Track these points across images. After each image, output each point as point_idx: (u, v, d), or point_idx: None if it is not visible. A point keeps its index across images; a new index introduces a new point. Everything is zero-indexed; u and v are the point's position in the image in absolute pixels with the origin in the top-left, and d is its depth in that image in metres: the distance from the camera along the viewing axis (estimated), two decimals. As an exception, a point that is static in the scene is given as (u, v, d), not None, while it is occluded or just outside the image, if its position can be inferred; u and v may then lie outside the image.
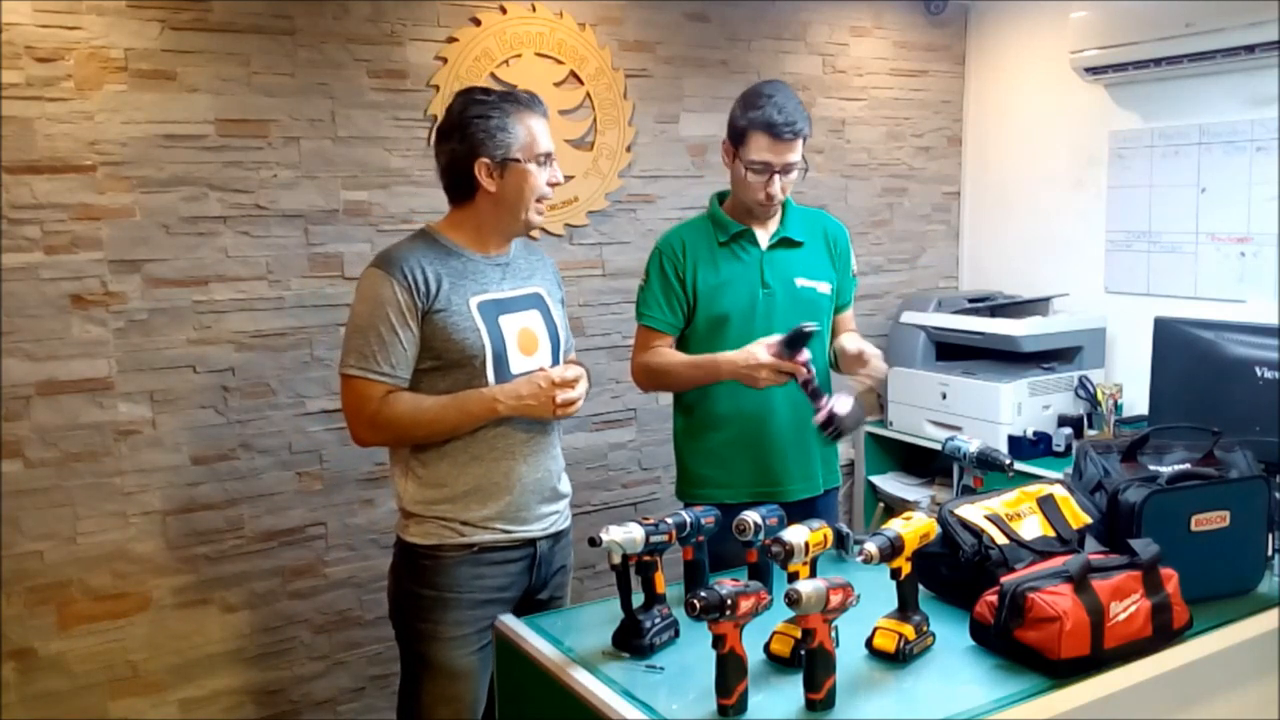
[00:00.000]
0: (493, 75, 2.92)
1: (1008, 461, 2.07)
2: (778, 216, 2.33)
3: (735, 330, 2.27)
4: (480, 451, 1.92)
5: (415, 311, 1.86)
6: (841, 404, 2.02)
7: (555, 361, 2.02)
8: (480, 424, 1.89)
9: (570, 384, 1.90)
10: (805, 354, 2.05)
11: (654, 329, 2.29)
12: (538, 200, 1.94)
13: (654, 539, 1.70)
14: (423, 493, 1.94)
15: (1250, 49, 2.87)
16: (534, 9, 2.96)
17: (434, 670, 1.94)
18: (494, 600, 1.95)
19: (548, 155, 1.93)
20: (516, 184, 1.91)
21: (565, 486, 2.10)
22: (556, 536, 2.06)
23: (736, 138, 2.23)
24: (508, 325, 1.94)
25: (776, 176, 2.20)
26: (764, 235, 2.31)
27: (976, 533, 1.74)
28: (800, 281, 2.31)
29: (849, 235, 2.44)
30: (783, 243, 2.31)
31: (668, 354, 2.28)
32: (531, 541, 1.99)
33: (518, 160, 1.90)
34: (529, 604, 2.02)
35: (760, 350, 2.08)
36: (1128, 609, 1.57)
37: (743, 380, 2.12)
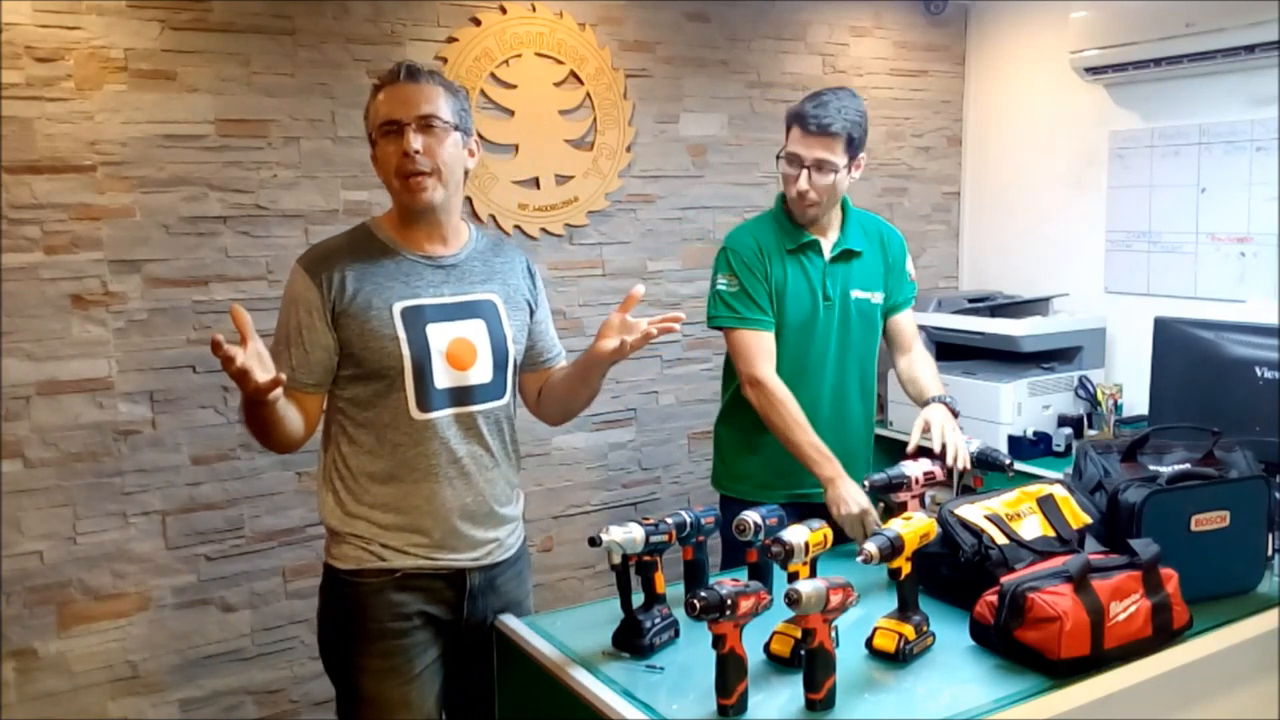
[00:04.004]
0: (492, 75, 2.92)
1: (1008, 461, 2.07)
2: (838, 225, 2.33)
3: (791, 340, 2.26)
4: (398, 471, 1.75)
5: (324, 312, 1.72)
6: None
7: (499, 376, 1.82)
8: (257, 410, 1.62)
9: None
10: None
11: (763, 330, 2.23)
12: (404, 178, 1.70)
13: (654, 539, 1.70)
14: (340, 508, 1.78)
15: (1250, 49, 2.87)
16: (534, 9, 2.96)
17: (364, 703, 1.78)
18: (421, 628, 1.79)
19: (390, 123, 1.69)
20: (381, 164, 1.74)
21: (513, 510, 1.90)
22: (495, 567, 1.85)
23: (786, 131, 2.25)
24: (435, 335, 1.74)
25: (806, 173, 2.18)
26: (826, 245, 2.31)
27: (976, 533, 1.74)
28: (856, 293, 2.32)
29: (904, 241, 2.44)
30: (844, 254, 2.31)
31: (795, 412, 2.18)
32: (460, 572, 1.80)
33: (373, 140, 1.75)
34: (471, 640, 1.87)
35: (865, 503, 2.08)
36: (1128, 609, 1.58)
37: (831, 503, 2.11)
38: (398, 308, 1.73)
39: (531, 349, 1.95)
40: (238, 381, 1.54)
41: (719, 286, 2.27)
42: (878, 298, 2.35)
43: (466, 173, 1.81)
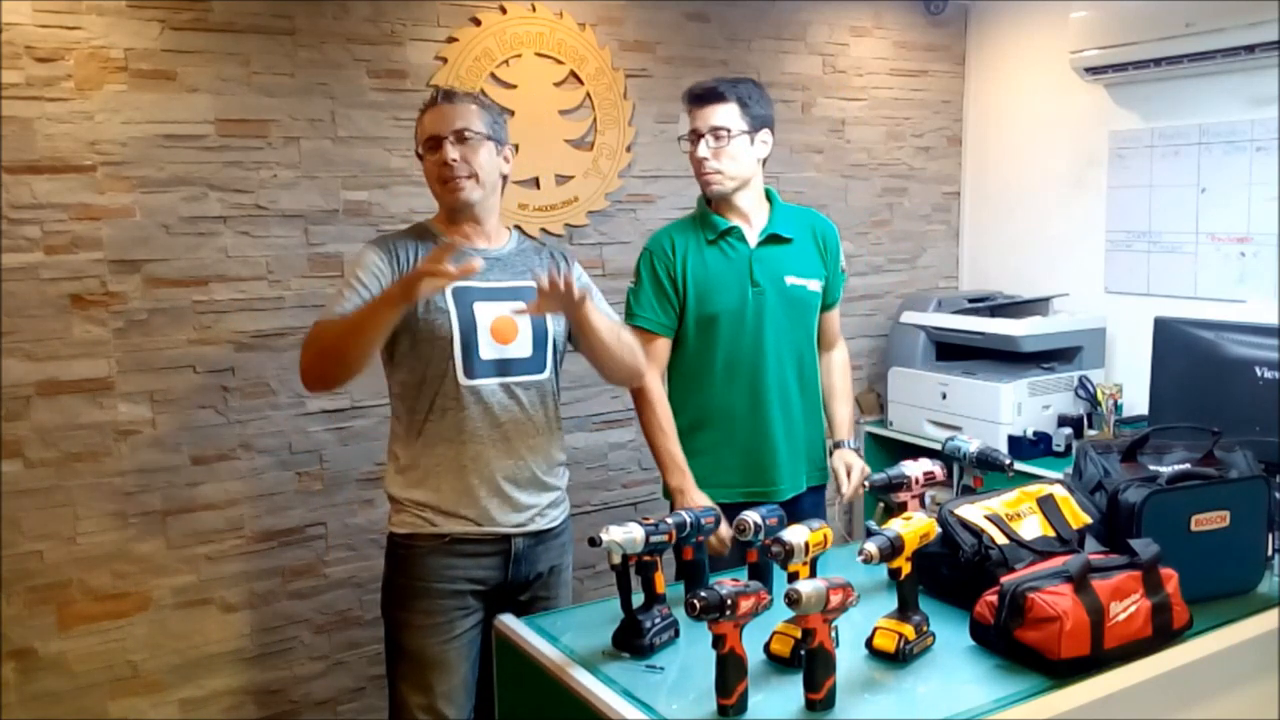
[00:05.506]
0: (493, 75, 2.92)
1: (1008, 461, 2.07)
2: (764, 213, 2.34)
3: (725, 329, 2.28)
4: (447, 433, 1.95)
5: (392, 280, 1.93)
6: None
7: (539, 352, 2.01)
8: (389, 311, 1.81)
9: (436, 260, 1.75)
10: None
11: (646, 330, 2.28)
12: (443, 183, 1.96)
13: (654, 539, 1.70)
14: (400, 477, 2.00)
15: (1250, 49, 2.87)
16: (534, 9, 2.96)
17: (406, 656, 1.99)
18: (466, 592, 1.98)
19: (431, 139, 1.96)
20: (427, 176, 2.01)
21: (556, 479, 2.08)
22: (538, 535, 2.04)
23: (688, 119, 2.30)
24: (482, 312, 1.96)
25: (703, 141, 2.23)
26: (752, 233, 2.31)
27: (976, 533, 1.74)
28: (790, 279, 2.31)
29: (838, 232, 2.45)
30: (771, 239, 2.31)
31: (664, 417, 2.26)
32: (506, 538, 1.99)
33: (420, 154, 2.01)
34: (511, 603, 2.00)
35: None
36: (1128, 609, 1.58)
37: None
38: (449, 288, 1.93)
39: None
40: (425, 274, 1.74)
41: (629, 284, 2.37)
42: (815, 285, 2.35)
43: (505, 178, 2.06)
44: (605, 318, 2.03)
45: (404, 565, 1.99)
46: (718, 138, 2.22)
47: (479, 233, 2.03)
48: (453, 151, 1.94)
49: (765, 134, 2.28)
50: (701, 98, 2.24)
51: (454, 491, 1.96)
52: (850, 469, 2.37)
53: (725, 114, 2.22)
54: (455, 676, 1.98)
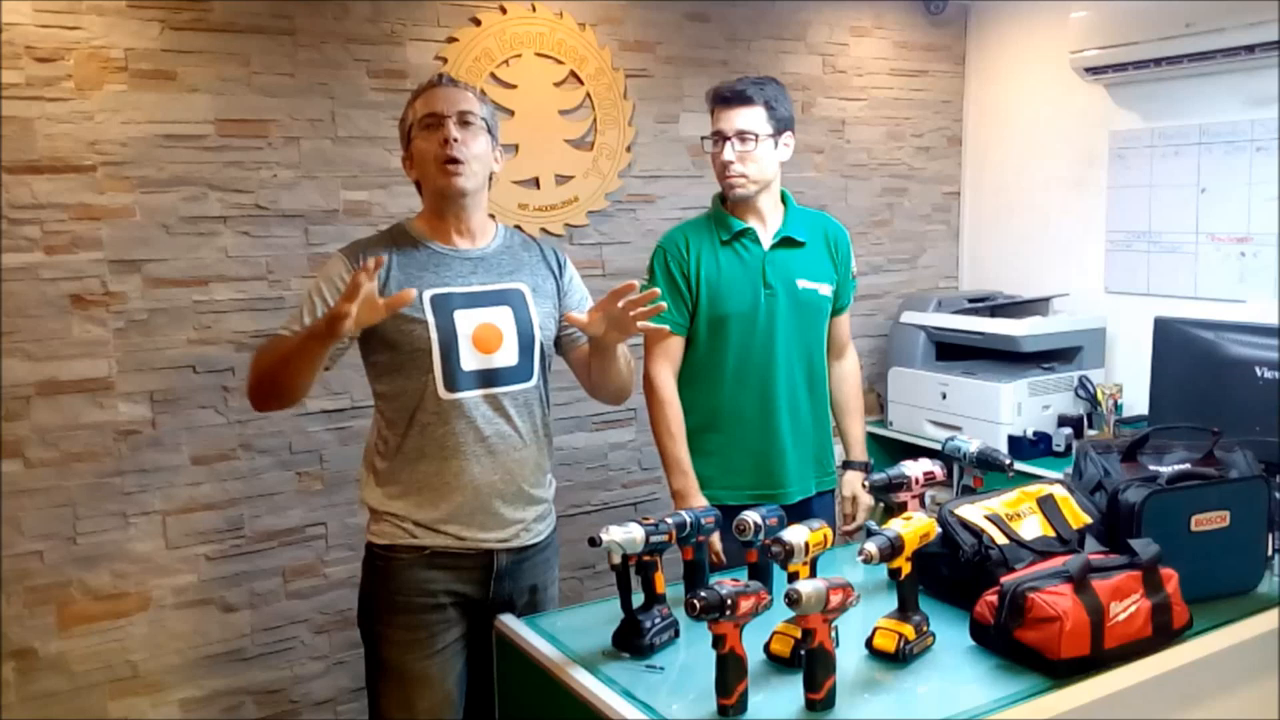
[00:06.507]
0: (493, 75, 2.92)
1: (1008, 461, 2.07)
2: (778, 215, 2.33)
3: (736, 331, 2.27)
4: (428, 449, 1.86)
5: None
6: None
7: (526, 359, 1.90)
8: (317, 347, 1.71)
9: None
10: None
11: (666, 328, 2.26)
12: (442, 164, 1.83)
13: (654, 539, 1.70)
14: (380, 489, 1.90)
15: (1250, 49, 2.87)
16: (534, 9, 2.96)
17: (388, 673, 1.90)
18: (447, 605, 1.90)
19: (432, 116, 1.85)
20: (419, 158, 1.88)
21: (543, 491, 1.99)
22: (522, 551, 1.95)
23: (710, 118, 2.29)
24: (463, 320, 1.85)
25: (729, 144, 2.21)
26: (766, 235, 2.31)
27: (976, 533, 1.74)
28: (802, 283, 2.31)
29: (850, 237, 2.45)
30: (785, 242, 2.31)
31: (674, 420, 2.27)
32: (488, 553, 1.90)
33: (412, 137, 1.89)
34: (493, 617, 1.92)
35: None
36: (1128, 609, 1.58)
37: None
38: (428, 295, 1.85)
39: (564, 327, 2.02)
40: (340, 307, 1.61)
41: (642, 283, 2.30)
42: (826, 289, 2.35)
43: (492, 176, 1.96)
44: None
45: (382, 577, 1.90)
46: (744, 141, 2.21)
47: (464, 230, 1.93)
48: (455, 131, 1.83)
49: (788, 136, 2.28)
50: (729, 100, 2.22)
51: (435, 508, 1.87)
52: (857, 503, 2.43)
53: (752, 118, 2.21)
54: (438, 693, 1.89)
